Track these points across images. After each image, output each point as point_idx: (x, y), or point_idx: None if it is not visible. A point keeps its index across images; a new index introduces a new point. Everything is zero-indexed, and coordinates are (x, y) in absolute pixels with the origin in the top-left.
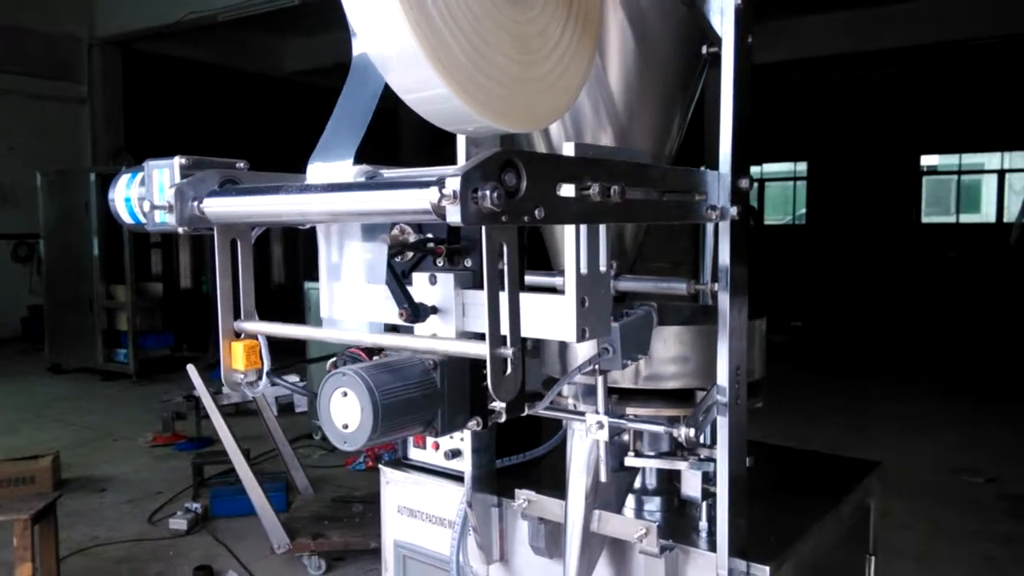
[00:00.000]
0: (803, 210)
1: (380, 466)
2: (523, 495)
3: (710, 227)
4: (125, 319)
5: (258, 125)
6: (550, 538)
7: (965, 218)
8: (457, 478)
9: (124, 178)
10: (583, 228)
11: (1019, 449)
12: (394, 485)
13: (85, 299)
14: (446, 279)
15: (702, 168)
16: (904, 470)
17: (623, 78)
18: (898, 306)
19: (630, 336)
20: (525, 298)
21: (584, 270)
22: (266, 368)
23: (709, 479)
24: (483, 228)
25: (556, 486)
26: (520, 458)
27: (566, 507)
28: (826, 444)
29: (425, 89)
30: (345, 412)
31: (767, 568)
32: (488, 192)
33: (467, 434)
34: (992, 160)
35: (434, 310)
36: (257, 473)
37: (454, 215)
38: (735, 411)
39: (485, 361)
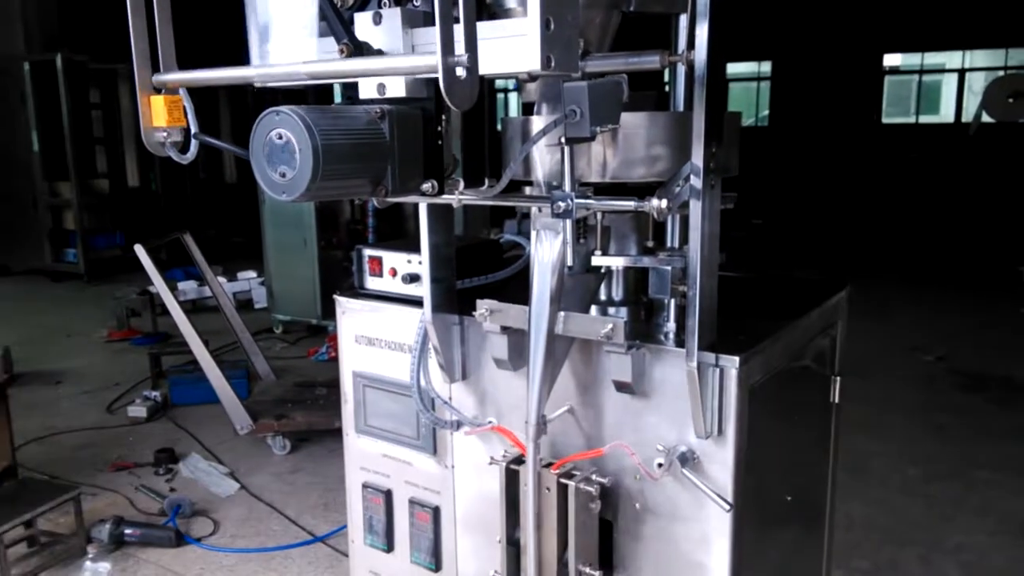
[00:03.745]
0: (766, 112)
1: (336, 296)
2: (485, 305)
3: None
4: (72, 218)
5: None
6: (514, 348)
7: (925, 119)
8: (416, 303)
9: None
10: None
11: (970, 332)
12: (351, 315)
13: (28, 197)
14: (392, 15)
15: None
16: (860, 350)
17: None
18: (859, 206)
19: (599, 99)
20: (481, 26)
21: None
22: (193, 129)
23: (678, 280)
24: None
25: (520, 303)
26: (481, 280)
27: (529, 312)
28: None
29: None
30: (282, 157)
31: (736, 359)
32: None
33: (425, 259)
34: (953, 59)
35: (379, 53)
36: (218, 361)
37: None
38: (708, 195)
39: (438, 110)
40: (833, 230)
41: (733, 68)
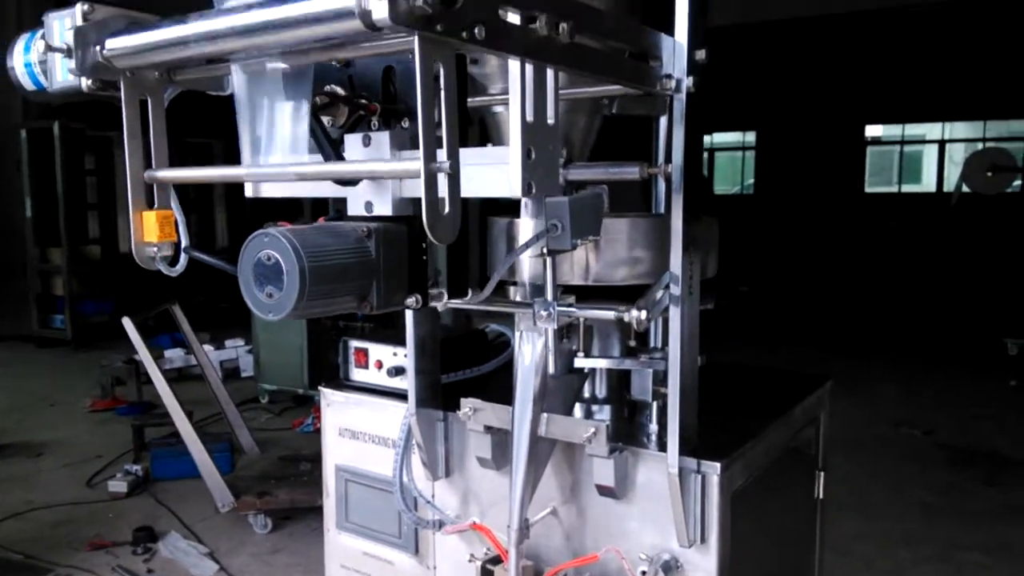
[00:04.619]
0: (751, 180)
1: (320, 388)
2: (469, 403)
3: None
4: (61, 283)
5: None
6: (497, 448)
7: (907, 188)
8: (401, 396)
9: (22, 39)
10: (529, 69)
11: (957, 405)
12: (335, 407)
13: (18, 263)
14: (380, 139)
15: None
16: (845, 424)
17: None
18: (842, 273)
19: (580, 213)
20: (465, 153)
21: (530, 118)
22: (183, 243)
23: (659, 382)
24: (416, 42)
25: (504, 400)
26: (466, 374)
27: (513, 413)
28: None
29: None
30: (269, 278)
31: (718, 465)
32: None
33: (410, 352)
34: (933, 131)
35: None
36: (201, 434)
37: (381, 12)
38: (687, 303)
39: (422, 227)
40: (818, 298)
41: (718, 138)
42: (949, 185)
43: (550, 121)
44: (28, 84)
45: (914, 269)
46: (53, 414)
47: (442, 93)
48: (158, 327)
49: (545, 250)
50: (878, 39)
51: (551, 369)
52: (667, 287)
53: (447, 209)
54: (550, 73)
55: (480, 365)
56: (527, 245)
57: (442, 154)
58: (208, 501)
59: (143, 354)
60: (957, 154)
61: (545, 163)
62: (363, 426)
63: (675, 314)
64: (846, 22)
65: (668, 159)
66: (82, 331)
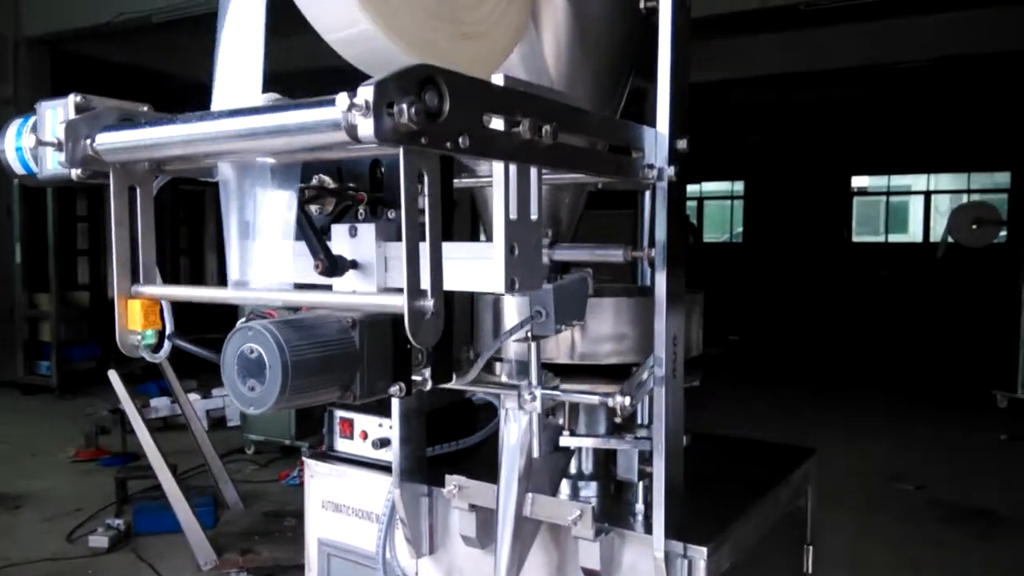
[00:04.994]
0: (740, 228)
1: (304, 459)
2: (454, 481)
3: (647, 196)
4: (48, 329)
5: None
6: (482, 527)
7: (894, 238)
8: (385, 469)
9: (15, 124)
10: (513, 170)
11: (948, 459)
12: (319, 479)
13: (5, 309)
14: (367, 230)
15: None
16: (836, 477)
17: (557, 41)
18: (831, 322)
19: (564, 299)
20: (448, 247)
21: (514, 215)
22: (168, 330)
23: (646, 460)
24: (401, 153)
25: (490, 475)
26: (451, 446)
27: (498, 492)
28: None
29: (347, 27)
30: (252, 372)
31: (704, 549)
32: (405, 107)
33: (396, 423)
34: (919, 182)
35: (354, 264)
36: (184, 488)
37: (367, 129)
38: (672, 385)
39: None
40: (807, 346)
41: (707, 186)
42: (936, 235)
43: (533, 217)
44: (18, 169)
45: (903, 318)
46: (35, 464)
47: (426, 196)
48: (145, 374)
49: (530, 335)
50: (864, 93)
51: (535, 453)
52: (651, 370)
53: (429, 316)
54: (533, 171)
55: (466, 437)
56: (511, 332)
57: (426, 277)
58: (191, 557)
59: (127, 406)
60: (943, 204)
61: (528, 258)
62: (347, 499)
63: (659, 396)
64: (833, 78)
65: (652, 242)
66: (68, 377)
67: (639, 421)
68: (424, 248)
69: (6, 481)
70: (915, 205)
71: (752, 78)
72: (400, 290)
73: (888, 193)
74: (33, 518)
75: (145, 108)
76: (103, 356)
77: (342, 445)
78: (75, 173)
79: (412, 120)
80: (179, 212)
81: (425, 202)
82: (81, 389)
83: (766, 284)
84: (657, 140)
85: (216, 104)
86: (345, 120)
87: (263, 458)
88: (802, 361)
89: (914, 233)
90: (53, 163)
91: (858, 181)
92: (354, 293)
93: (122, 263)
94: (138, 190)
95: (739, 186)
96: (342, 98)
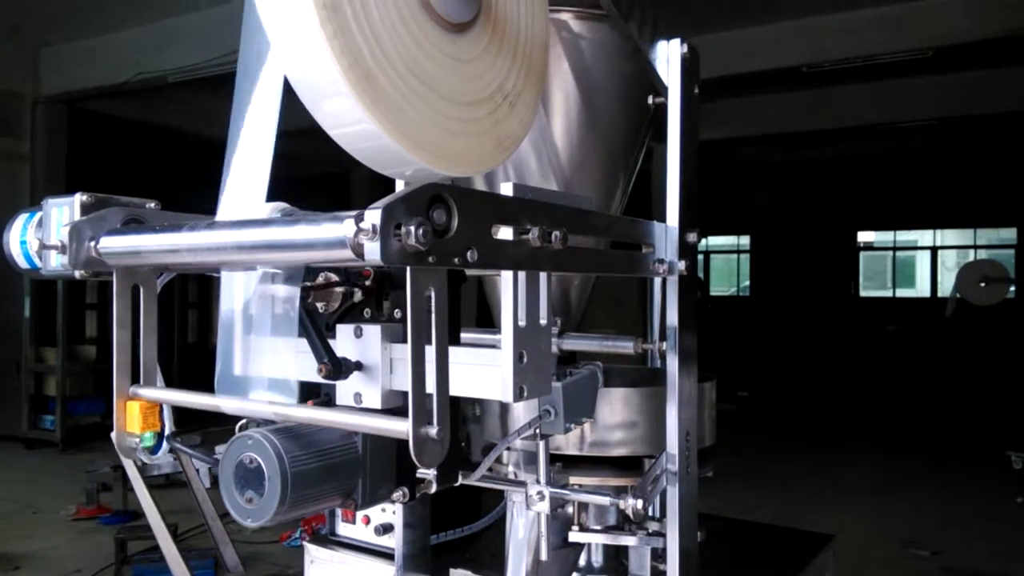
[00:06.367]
0: (747, 282)
1: (304, 543)
2: (458, 575)
3: (657, 284)
4: (54, 383)
5: (208, 190)
6: None
7: (901, 292)
8: (388, 556)
9: (21, 218)
10: (522, 276)
11: (964, 523)
12: (319, 564)
13: (12, 363)
14: (372, 331)
15: (649, 220)
16: (851, 541)
17: (568, 128)
18: (840, 377)
19: (574, 397)
20: (456, 352)
21: (523, 322)
22: (167, 431)
23: (659, 555)
24: (408, 272)
25: (495, 565)
26: (456, 533)
27: None
28: (776, 512)
29: (351, 124)
30: (250, 482)
31: None
32: (413, 229)
33: (399, 507)
34: (925, 237)
35: (359, 366)
36: (184, 550)
37: (373, 253)
38: (685, 481)
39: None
40: (816, 402)
41: (713, 241)
42: (943, 290)
43: (543, 322)
44: (22, 263)
45: (913, 374)
46: (35, 522)
47: (433, 312)
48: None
49: (538, 433)
50: (869, 150)
51: (543, 554)
52: (663, 470)
53: (434, 439)
54: (543, 276)
55: (471, 524)
56: (519, 432)
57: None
58: None
59: (128, 468)
60: (949, 260)
61: (538, 364)
62: None
63: (672, 494)
64: (837, 136)
65: (662, 336)
66: (72, 432)
67: (651, 514)
68: (430, 354)
69: (7, 540)
70: (922, 260)
71: (757, 136)
72: (405, 412)
73: (895, 248)
74: None
75: (152, 205)
76: (107, 411)
77: (343, 529)
78: (79, 273)
79: (419, 241)
80: (187, 297)
81: (432, 317)
82: (85, 444)
83: (774, 338)
84: (667, 234)
85: (223, 211)
86: (352, 240)
87: None
88: (811, 417)
89: (922, 288)
90: (57, 262)
91: (864, 236)
92: (358, 409)
93: (122, 366)
94: (141, 290)
95: (745, 240)
96: (349, 223)
